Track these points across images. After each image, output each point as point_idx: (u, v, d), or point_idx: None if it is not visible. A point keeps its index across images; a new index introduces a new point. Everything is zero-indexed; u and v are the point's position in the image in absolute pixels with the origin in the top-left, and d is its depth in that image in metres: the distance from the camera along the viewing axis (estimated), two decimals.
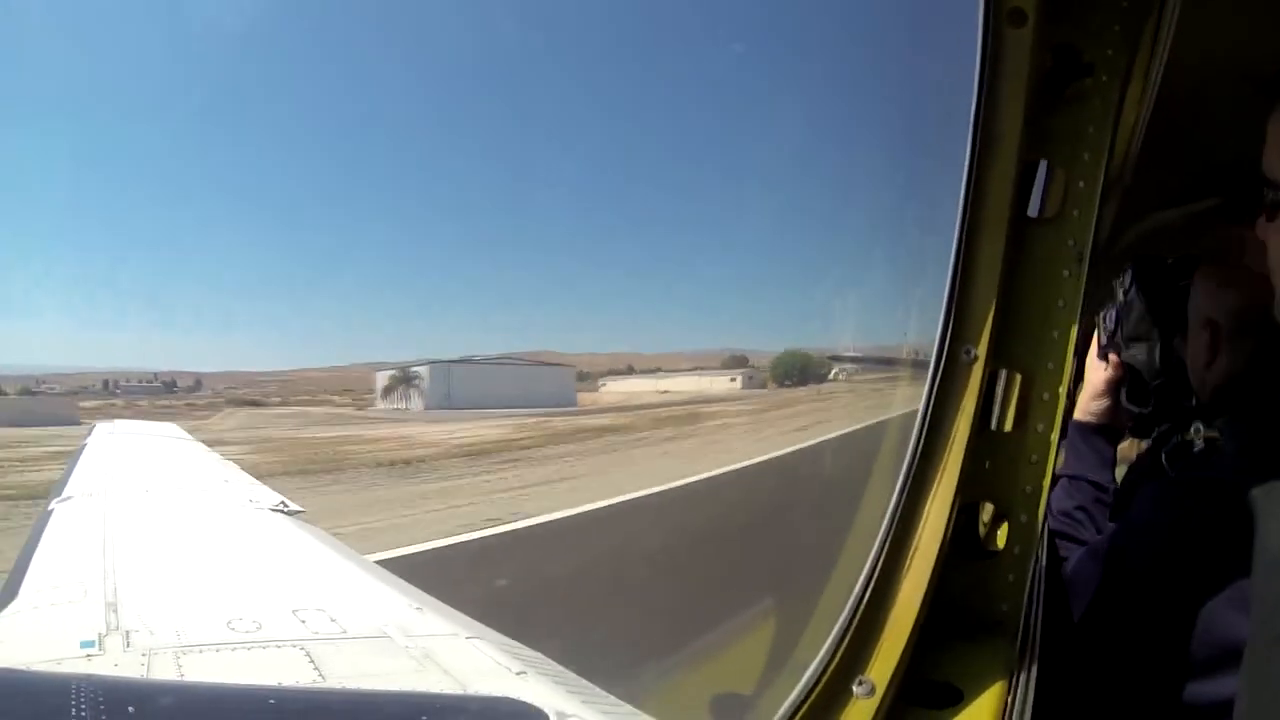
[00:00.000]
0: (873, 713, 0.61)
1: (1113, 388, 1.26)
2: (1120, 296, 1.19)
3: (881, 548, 0.72)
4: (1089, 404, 1.30)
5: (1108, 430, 1.30)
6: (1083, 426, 1.31)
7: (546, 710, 1.00)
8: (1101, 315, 1.27)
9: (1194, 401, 1.13)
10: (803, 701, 0.58)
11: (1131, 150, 1.34)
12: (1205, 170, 1.52)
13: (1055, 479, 1.27)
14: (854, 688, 0.63)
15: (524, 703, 1.04)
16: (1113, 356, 1.25)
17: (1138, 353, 1.19)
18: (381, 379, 48.68)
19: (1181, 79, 1.07)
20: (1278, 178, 0.73)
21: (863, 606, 0.69)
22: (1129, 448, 1.50)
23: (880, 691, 0.63)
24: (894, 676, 0.65)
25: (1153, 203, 1.68)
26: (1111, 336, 1.24)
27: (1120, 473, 1.36)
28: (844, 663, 0.64)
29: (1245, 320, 1.04)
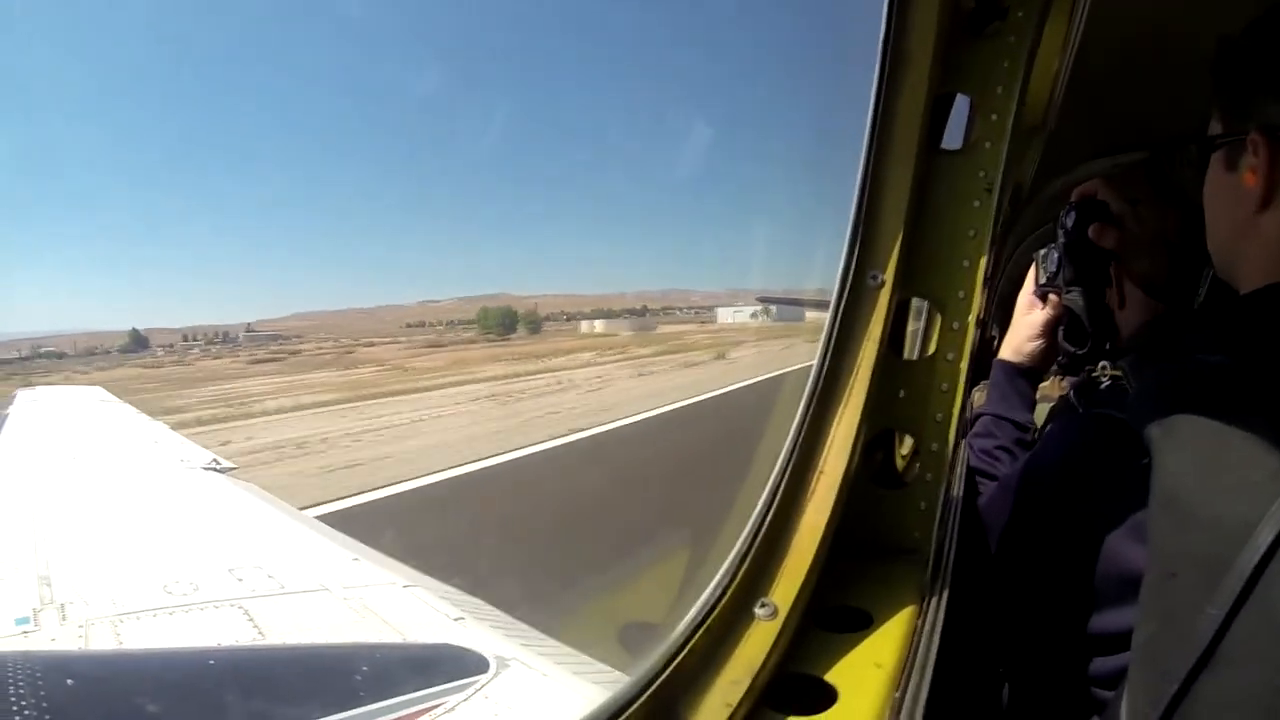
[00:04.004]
0: (776, 634, 0.61)
1: (1049, 328, 1.27)
2: (1061, 238, 1.20)
3: (783, 471, 0.72)
4: (1022, 344, 1.30)
5: (1032, 372, 1.33)
6: (1009, 367, 1.33)
7: (485, 654, 1.02)
8: (1041, 255, 1.28)
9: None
10: (700, 623, 0.58)
11: (1055, 96, 1.35)
12: (1132, 121, 1.54)
13: (978, 417, 1.31)
14: (756, 610, 0.62)
15: (463, 648, 1.06)
16: (1052, 297, 1.25)
17: (1077, 296, 1.20)
18: (725, 312, 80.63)
19: (1105, 25, 1.08)
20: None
21: (764, 529, 0.68)
22: (1050, 386, 1.54)
23: (784, 613, 0.63)
24: (798, 599, 0.65)
25: (1081, 152, 1.70)
26: (1052, 278, 1.25)
27: (1041, 410, 1.40)
28: (744, 585, 0.64)
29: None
